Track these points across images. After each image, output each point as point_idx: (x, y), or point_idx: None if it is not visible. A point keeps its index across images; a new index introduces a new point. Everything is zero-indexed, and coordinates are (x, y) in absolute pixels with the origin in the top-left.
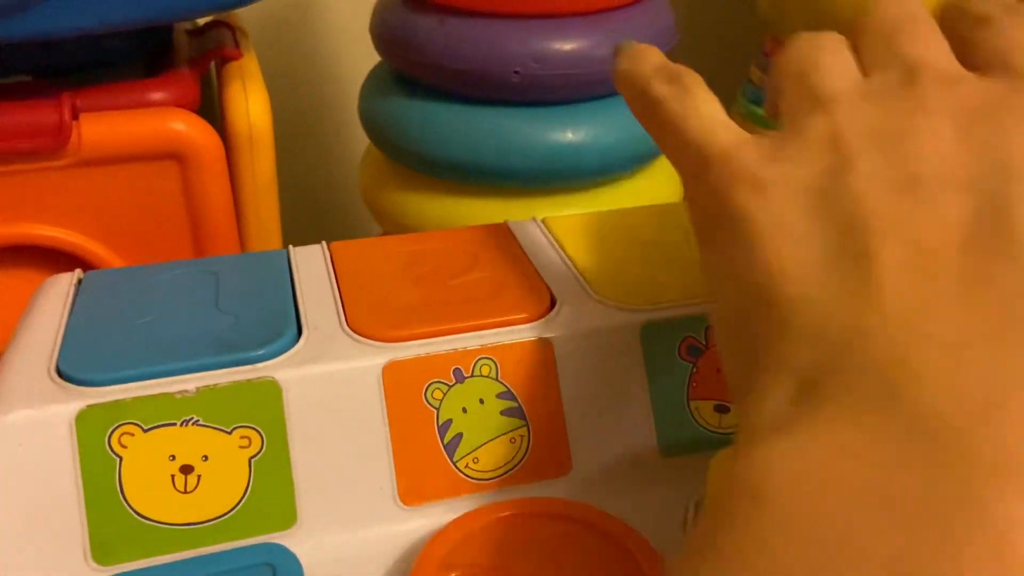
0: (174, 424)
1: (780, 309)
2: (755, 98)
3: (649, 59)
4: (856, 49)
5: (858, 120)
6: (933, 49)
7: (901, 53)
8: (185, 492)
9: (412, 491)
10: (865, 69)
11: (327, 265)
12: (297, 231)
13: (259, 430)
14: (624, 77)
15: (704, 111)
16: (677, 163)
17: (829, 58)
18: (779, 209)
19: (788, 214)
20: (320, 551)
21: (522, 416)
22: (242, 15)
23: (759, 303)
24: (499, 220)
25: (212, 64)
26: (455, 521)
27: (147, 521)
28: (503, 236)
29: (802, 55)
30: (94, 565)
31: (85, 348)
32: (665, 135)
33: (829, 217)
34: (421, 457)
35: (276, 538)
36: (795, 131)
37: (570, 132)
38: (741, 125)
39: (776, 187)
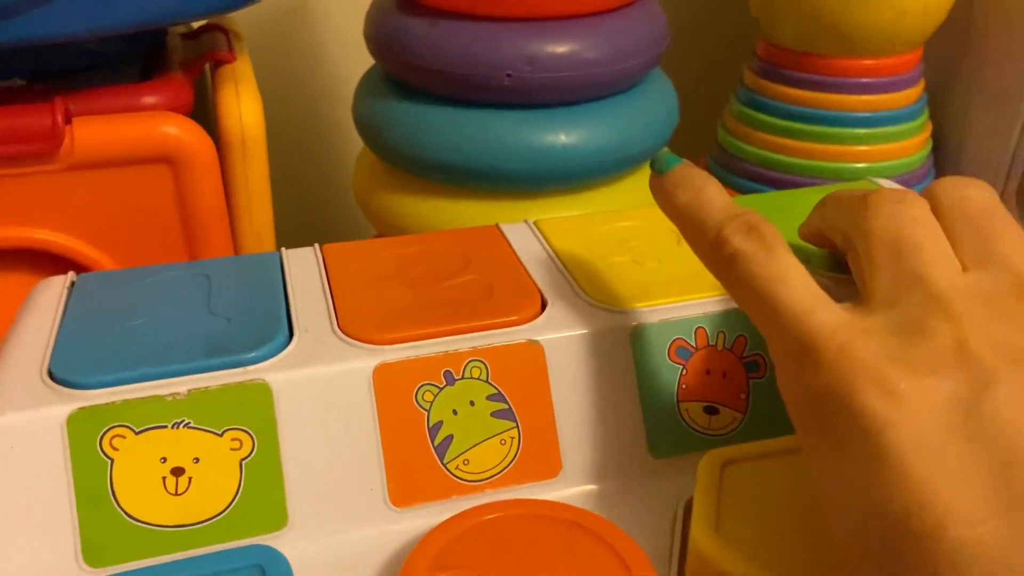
0: (165, 426)
1: (945, 549)
2: (748, 100)
3: (712, 197)
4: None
5: (983, 330)
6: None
7: (998, 254)
8: (176, 494)
9: (403, 493)
10: (963, 260)
11: (319, 268)
12: (292, 233)
13: (250, 432)
14: (685, 215)
15: (795, 279)
16: (767, 334)
17: (922, 234)
18: (920, 427)
19: (931, 434)
20: (311, 553)
21: (512, 418)
22: (236, 18)
23: (911, 534)
24: (492, 222)
25: (207, 67)
26: (445, 523)
27: (138, 523)
28: (495, 238)
29: (894, 225)
30: (85, 567)
31: (77, 351)
32: (748, 298)
33: (979, 444)
34: (412, 459)
35: (267, 540)
36: (914, 329)
37: (562, 134)
38: (734, 127)
39: (912, 399)
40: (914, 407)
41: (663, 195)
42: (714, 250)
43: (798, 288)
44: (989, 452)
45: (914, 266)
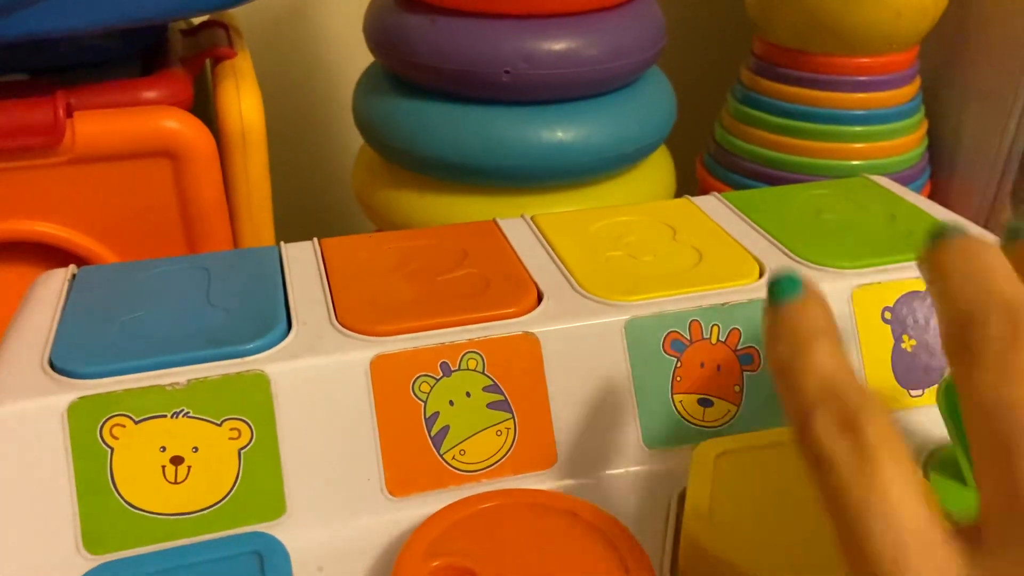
0: (165, 416)
1: None
2: (745, 98)
3: (814, 362)
4: None
5: None
6: None
7: None
8: (175, 483)
9: (399, 482)
10: None
11: (318, 261)
12: (292, 228)
13: (248, 422)
14: (780, 374)
15: (892, 509)
16: (849, 567)
17: None
18: None
19: None
20: (308, 541)
21: (508, 409)
22: (237, 15)
23: None
24: (490, 217)
25: (207, 63)
26: (440, 511)
27: (138, 511)
28: (492, 233)
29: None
30: (85, 554)
31: (78, 341)
32: (832, 513)
33: None
34: (408, 449)
35: (265, 528)
36: None
37: (559, 131)
38: (731, 125)
39: None
40: None
41: (767, 335)
42: (800, 436)
43: (893, 523)
44: None
45: None
